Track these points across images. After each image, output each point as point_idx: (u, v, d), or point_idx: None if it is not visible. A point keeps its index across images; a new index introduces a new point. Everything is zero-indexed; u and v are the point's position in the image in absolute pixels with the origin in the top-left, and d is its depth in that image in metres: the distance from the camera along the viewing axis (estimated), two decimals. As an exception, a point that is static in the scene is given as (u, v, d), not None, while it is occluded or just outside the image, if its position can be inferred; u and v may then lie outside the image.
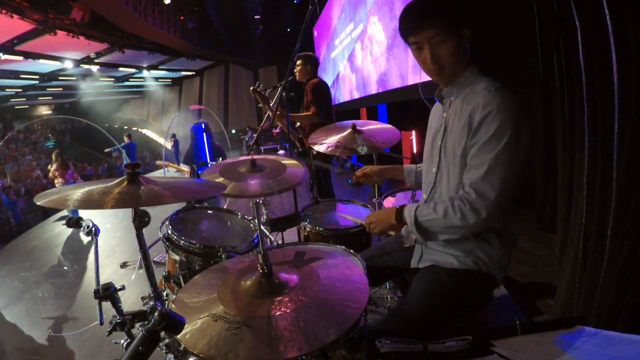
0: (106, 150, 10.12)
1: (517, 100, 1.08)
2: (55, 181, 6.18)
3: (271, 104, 2.72)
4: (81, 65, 13.18)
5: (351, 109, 7.66)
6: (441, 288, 1.17)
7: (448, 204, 1.10)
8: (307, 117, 3.08)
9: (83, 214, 5.83)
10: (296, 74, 3.21)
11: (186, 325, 0.72)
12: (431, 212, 1.12)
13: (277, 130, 14.58)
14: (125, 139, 9.84)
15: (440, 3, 1.11)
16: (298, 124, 3.08)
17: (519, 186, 1.15)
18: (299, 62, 3.17)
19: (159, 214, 1.48)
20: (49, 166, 6.45)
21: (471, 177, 1.08)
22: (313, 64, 3.22)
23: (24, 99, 18.82)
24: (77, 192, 0.96)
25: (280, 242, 2.14)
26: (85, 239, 5.08)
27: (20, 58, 10.80)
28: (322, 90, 3.16)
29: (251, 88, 2.81)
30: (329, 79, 8.95)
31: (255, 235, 1.60)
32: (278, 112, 2.68)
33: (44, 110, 21.43)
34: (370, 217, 1.32)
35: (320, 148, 1.81)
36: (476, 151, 1.08)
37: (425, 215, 1.13)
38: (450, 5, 1.11)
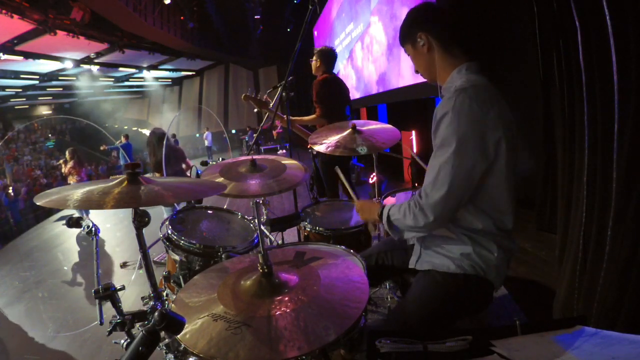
0: (102, 147, 10.17)
1: (482, 102, 1.04)
2: (70, 178, 6.10)
3: (270, 105, 2.62)
4: (81, 65, 13.19)
5: (352, 109, 7.65)
6: (439, 293, 1.17)
7: (406, 205, 1.14)
8: (311, 121, 2.86)
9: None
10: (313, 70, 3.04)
11: (186, 325, 0.72)
12: (397, 212, 1.18)
13: (278, 130, 14.57)
14: (123, 139, 9.91)
15: (401, 28, 1.25)
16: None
17: (515, 189, 1.13)
18: (313, 58, 3.00)
19: (159, 214, 1.49)
20: (61, 162, 6.36)
21: (425, 180, 1.12)
22: (323, 58, 2.99)
23: (24, 99, 18.80)
24: (77, 192, 0.96)
25: (280, 242, 2.14)
26: (85, 239, 5.09)
27: (20, 58, 10.81)
28: (327, 88, 2.88)
29: (243, 95, 2.60)
30: (328, 79, 8.92)
31: (255, 235, 1.61)
32: (278, 112, 2.51)
33: (44, 110, 21.39)
34: (360, 204, 1.41)
35: (320, 148, 1.80)
36: (433, 154, 1.12)
37: (393, 215, 1.19)
38: (404, 27, 1.24)
